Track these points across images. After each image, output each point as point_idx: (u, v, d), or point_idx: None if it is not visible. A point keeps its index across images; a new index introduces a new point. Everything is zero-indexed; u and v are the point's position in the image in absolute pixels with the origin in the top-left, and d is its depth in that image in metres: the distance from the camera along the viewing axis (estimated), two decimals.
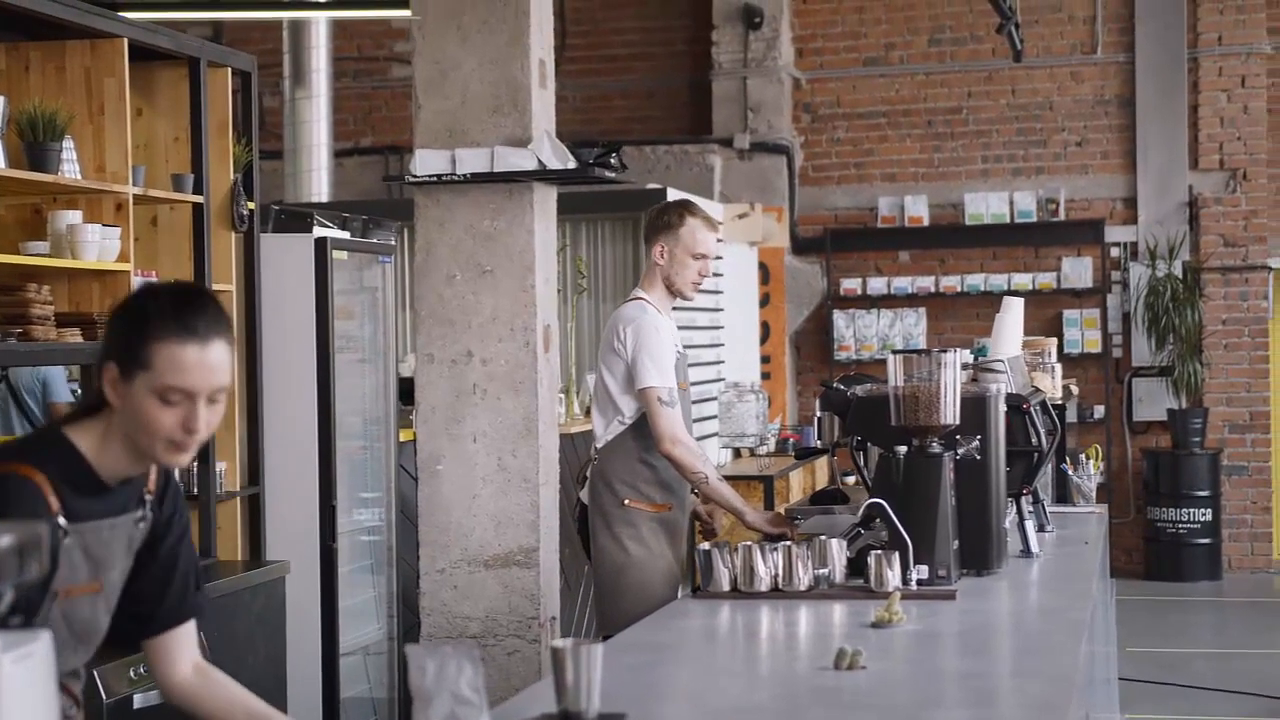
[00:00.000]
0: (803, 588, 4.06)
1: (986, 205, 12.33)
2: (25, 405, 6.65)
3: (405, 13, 5.59)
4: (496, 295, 5.12)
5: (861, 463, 4.68)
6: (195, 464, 5.74)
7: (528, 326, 5.11)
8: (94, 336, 5.13)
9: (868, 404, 4.49)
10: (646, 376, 5.04)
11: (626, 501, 5.14)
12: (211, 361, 2.62)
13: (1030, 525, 4.82)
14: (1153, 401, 12.13)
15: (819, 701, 3.06)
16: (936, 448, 4.22)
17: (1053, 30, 12.41)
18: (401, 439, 6.84)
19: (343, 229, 6.87)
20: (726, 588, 4.09)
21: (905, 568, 4.07)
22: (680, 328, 5.47)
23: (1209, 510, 11.78)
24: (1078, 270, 12.17)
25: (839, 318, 12.45)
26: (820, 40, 12.72)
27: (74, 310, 5.36)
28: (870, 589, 4.02)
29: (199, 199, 5.78)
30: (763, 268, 11.94)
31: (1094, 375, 12.19)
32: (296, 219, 6.62)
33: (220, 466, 5.92)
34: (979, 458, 4.37)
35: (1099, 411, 12.14)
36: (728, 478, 6.24)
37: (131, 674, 4.59)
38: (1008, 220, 12.31)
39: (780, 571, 4.07)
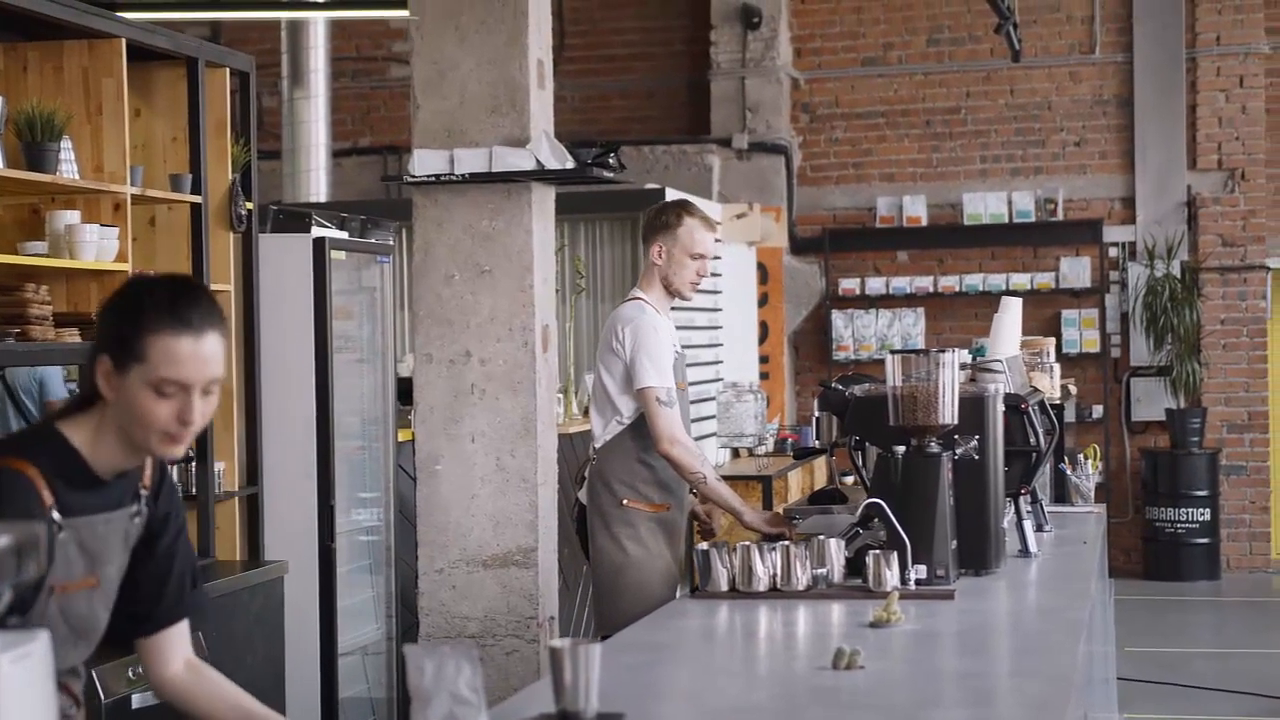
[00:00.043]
0: (801, 587, 4.06)
1: (985, 205, 12.33)
2: (22, 405, 6.65)
3: (403, 13, 5.59)
4: (495, 295, 5.11)
5: (860, 463, 4.68)
6: (194, 464, 5.74)
7: (526, 326, 5.11)
8: (92, 337, 5.13)
9: (866, 404, 4.49)
10: (645, 377, 5.04)
11: (625, 501, 5.14)
12: (206, 353, 2.62)
13: (1028, 525, 4.82)
14: (1151, 401, 12.13)
15: (817, 701, 3.06)
16: (935, 448, 4.22)
17: (1051, 30, 12.41)
18: (400, 439, 6.84)
19: (341, 229, 6.86)
20: (725, 588, 4.09)
21: (903, 567, 4.07)
22: (678, 328, 5.46)
23: (1207, 510, 11.78)
24: (1076, 270, 12.17)
25: (837, 318, 12.45)
26: (819, 40, 12.72)
27: (72, 310, 5.36)
28: (868, 589, 4.02)
29: (197, 199, 5.78)
30: (761, 268, 11.94)
31: (1092, 375, 12.20)
32: (295, 219, 6.62)
33: (219, 466, 5.92)
34: (977, 458, 4.37)
35: (1097, 411, 12.15)
36: (726, 478, 6.24)
37: (130, 674, 4.59)
38: (1006, 220, 12.31)
39: (778, 571, 4.07)
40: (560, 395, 7.70)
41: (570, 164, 5.07)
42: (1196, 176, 12.20)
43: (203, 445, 5.77)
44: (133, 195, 5.46)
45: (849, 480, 6.68)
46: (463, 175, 5.07)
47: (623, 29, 13.10)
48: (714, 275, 9.65)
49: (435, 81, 5.12)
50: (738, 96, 12.53)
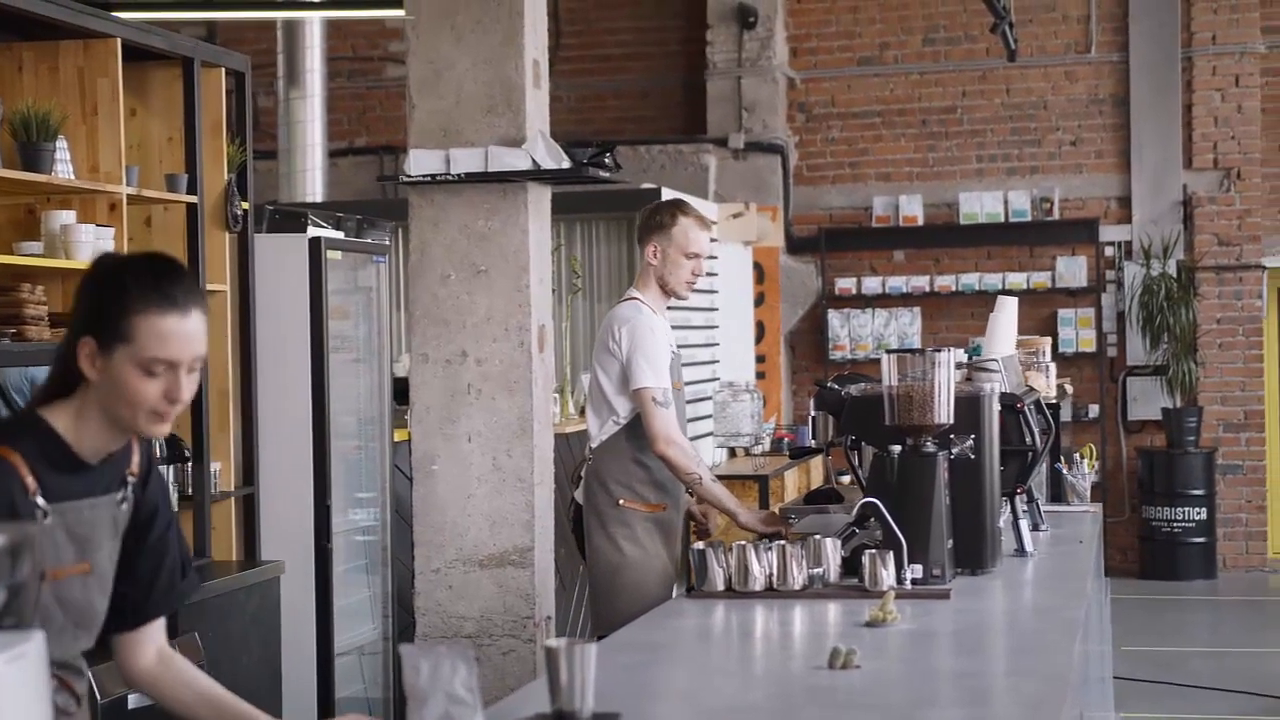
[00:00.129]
0: (797, 587, 4.05)
1: (981, 205, 12.33)
2: (13, 404, 6.65)
3: (399, 13, 5.59)
4: (491, 295, 5.11)
5: (856, 462, 4.68)
6: (190, 464, 5.74)
7: (522, 326, 5.11)
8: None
9: (862, 403, 4.49)
10: (641, 377, 5.04)
11: (621, 502, 5.14)
12: (192, 330, 2.62)
13: (1024, 524, 4.82)
14: (1147, 400, 12.13)
15: (813, 701, 3.07)
16: (931, 447, 4.22)
17: (1047, 30, 12.41)
18: (396, 439, 6.83)
19: (337, 229, 6.86)
20: (721, 587, 4.09)
21: (900, 567, 4.07)
22: (675, 327, 5.47)
23: (1204, 509, 11.78)
24: (1072, 269, 12.17)
25: (834, 317, 12.46)
26: (815, 40, 12.72)
27: (68, 311, 5.35)
28: (865, 588, 4.02)
29: (193, 199, 5.78)
30: (757, 267, 11.94)
31: (1089, 374, 12.20)
32: (291, 219, 6.62)
33: (215, 467, 5.92)
34: (973, 457, 4.37)
35: (1094, 410, 12.15)
36: (723, 477, 6.25)
37: None
38: (1002, 220, 12.31)
39: (775, 571, 4.07)
40: (556, 395, 7.71)
41: (566, 164, 5.06)
42: (1192, 176, 12.20)
43: (199, 445, 5.77)
44: (128, 195, 5.46)
45: (845, 480, 6.68)
46: (459, 175, 5.07)
47: (618, 29, 13.10)
48: (710, 275, 9.65)
49: (431, 81, 5.12)
50: (734, 96, 12.53)
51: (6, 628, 2.05)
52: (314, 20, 11.07)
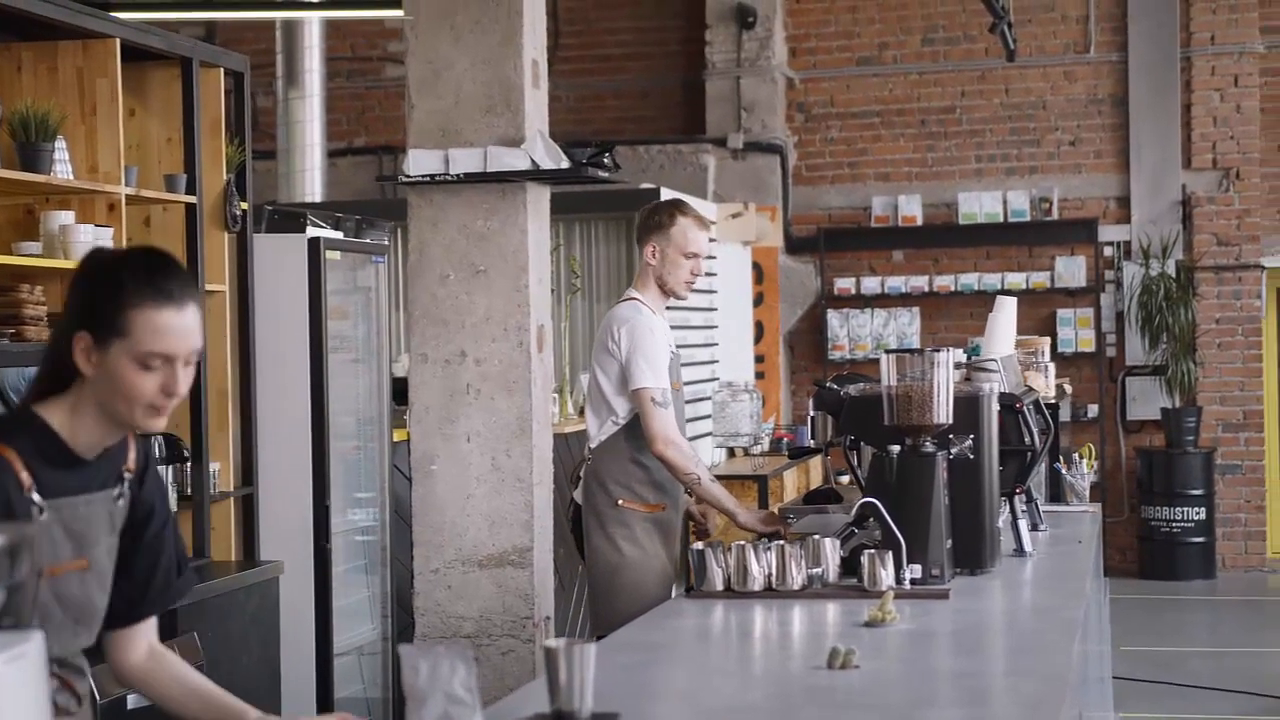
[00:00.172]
0: (796, 587, 4.05)
1: (980, 205, 12.33)
2: (11, 404, 6.65)
3: (398, 13, 5.59)
4: (490, 295, 5.11)
5: (855, 462, 4.68)
6: (189, 465, 5.74)
7: (521, 326, 5.11)
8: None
9: (861, 403, 4.49)
10: (640, 377, 5.04)
11: (620, 502, 5.14)
12: (189, 324, 2.62)
13: (1023, 524, 4.82)
14: (1146, 400, 12.14)
15: (812, 701, 3.07)
16: (930, 447, 4.22)
17: (1046, 30, 12.42)
18: (395, 439, 6.83)
19: (336, 229, 6.86)
20: (720, 587, 4.09)
21: (898, 567, 4.07)
22: (674, 327, 5.46)
23: (1203, 509, 11.79)
24: (1071, 269, 12.17)
25: (833, 317, 12.46)
26: (814, 40, 12.73)
27: None
28: (864, 588, 4.02)
29: (192, 199, 5.78)
30: (756, 267, 11.94)
31: (1088, 374, 12.20)
32: (290, 219, 6.61)
33: (214, 467, 5.92)
34: (972, 457, 4.37)
35: (1093, 410, 12.15)
36: (722, 477, 6.25)
37: None
38: (1001, 220, 12.32)
39: (774, 571, 4.07)
40: (556, 395, 7.71)
41: (565, 164, 5.06)
42: (1191, 176, 12.21)
43: (198, 445, 5.77)
44: (127, 195, 5.46)
45: (844, 480, 6.68)
46: (458, 175, 5.07)
47: (617, 29, 13.10)
48: (709, 275, 9.65)
49: (430, 81, 5.12)
50: (733, 96, 12.53)
51: (6, 628, 2.05)
52: (313, 20, 11.07)
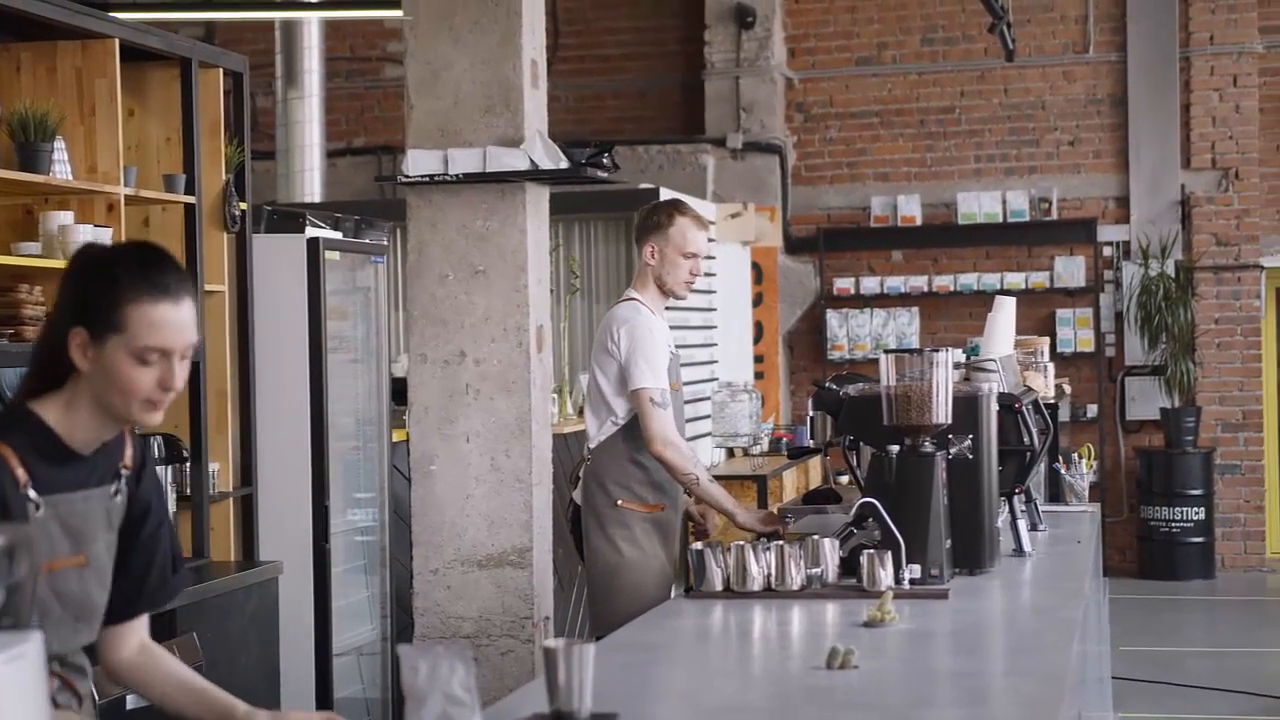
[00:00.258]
0: (795, 587, 4.05)
1: (979, 205, 12.33)
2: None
3: (397, 13, 5.59)
4: (489, 295, 5.11)
5: (854, 462, 4.68)
6: (188, 465, 5.74)
7: (520, 327, 5.11)
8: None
9: (860, 403, 4.49)
10: (639, 378, 5.04)
11: (620, 502, 5.14)
12: (185, 318, 2.63)
13: (1023, 524, 4.82)
14: (1145, 400, 12.14)
15: (811, 701, 3.07)
16: (929, 447, 4.22)
17: (1045, 30, 12.42)
18: (395, 439, 6.83)
19: (335, 229, 6.86)
20: (719, 587, 4.09)
21: (898, 567, 4.07)
22: (673, 327, 5.46)
23: (1202, 509, 11.79)
24: (1070, 269, 12.18)
25: (832, 317, 12.46)
26: (813, 40, 12.73)
27: None
28: (863, 588, 4.01)
29: (191, 200, 5.78)
30: (756, 267, 11.94)
31: (1087, 374, 12.20)
32: (289, 219, 6.61)
33: (213, 467, 5.92)
34: (971, 457, 4.37)
35: (1092, 410, 12.15)
36: (721, 478, 6.24)
37: None
38: (1000, 220, 12.32)
39: (773, 571, 4.07)
40: (555, 395, 7.71)
41: (564, 164, 5.07)
42: (1190, 176, 12.21)
43: (197, 446, 5.77)
44: (126, 196, 5.46)
45: (843, 480, 6.68)
46: (457, 175, 5.07)
47: (616, 29, 13.10)
48: (708, 275, 9.65)
49: (429, 81, 5.12)
50: (732, 96, 12.53)
51: (5, 628, 2.05)
52: (312, 20, 11.07)
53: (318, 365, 6.28)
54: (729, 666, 3.60)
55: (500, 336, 5.11)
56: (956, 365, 4.65)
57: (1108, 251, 12.28)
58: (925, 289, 12.34)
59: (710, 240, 7.02)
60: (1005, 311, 5.68)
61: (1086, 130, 12.38)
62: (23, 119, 5.08)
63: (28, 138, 5.08)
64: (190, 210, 5.79)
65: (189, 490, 5.75)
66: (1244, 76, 12.16)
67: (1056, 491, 6.28)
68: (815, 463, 9.86)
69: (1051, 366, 7.01)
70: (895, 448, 4.21)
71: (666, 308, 5.33)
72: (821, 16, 12.69)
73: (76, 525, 2.68)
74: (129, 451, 2.79)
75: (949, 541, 4.20)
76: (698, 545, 4.17)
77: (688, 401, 6.54)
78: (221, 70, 6.10)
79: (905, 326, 12.37)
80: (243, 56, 6.34)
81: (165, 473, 5.48)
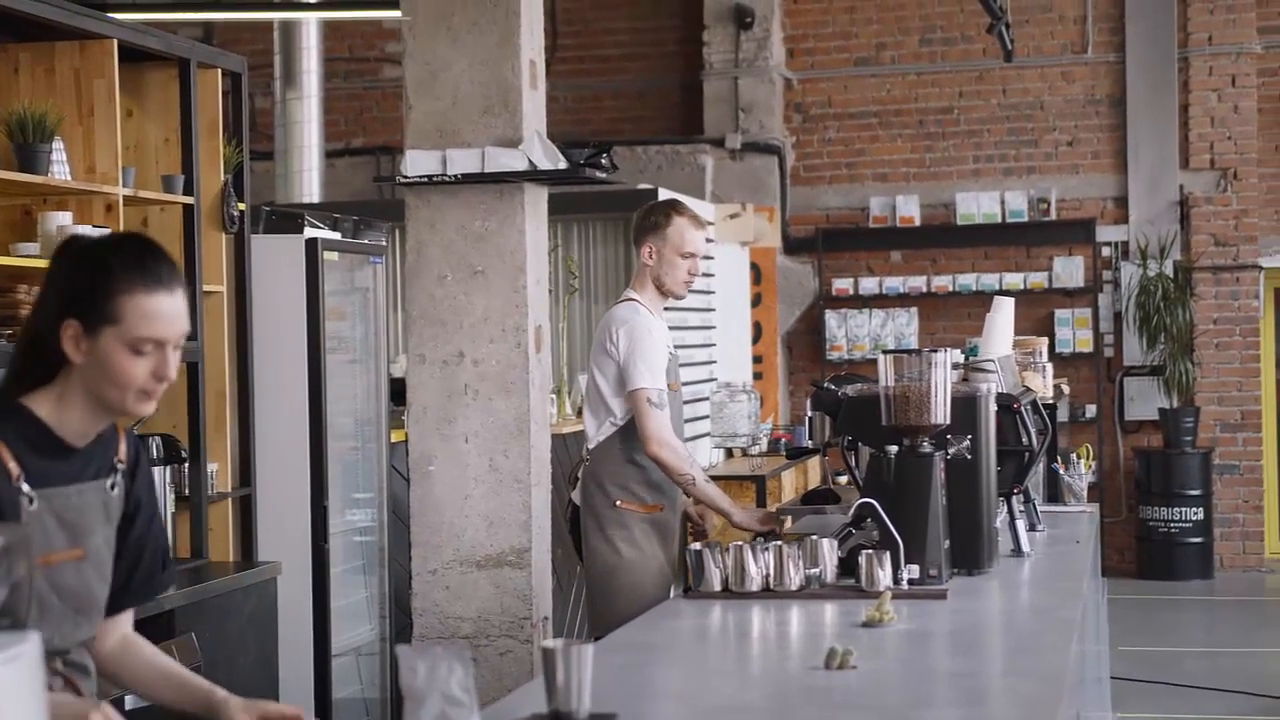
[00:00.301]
0: (794, 587, 4.05)
1: (978, 205, 12.33)
2: None
3: (396, 14, 5.59)
4: (488, 296, 5.11)
5: (853, 462, 4.68)
6: (187, 465, 5.73)
7: (519, 327, 5.11)
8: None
9: (859, 404, 4.49)
10: (638, 378, 5.04)
11: (618, 503, 5.14)
12: (179, 308, 2.63)
13: (1021, 525, 4.82)
14: (1144, 401, 12.14)
15: (810, 701, 3.07)
16: (927, 447, 4.22)
17: (1043, 30, 12.42)
18: (393, 439, 6.83)
19: (333, 230, 6.86)
20: (718, 588, 4.09)
21: (896, 567, 4.07)
22: (671, 328, 5.46)
23: (1201, 509, 11.79)
24: (1069, 270, 12.18)
25: (831, 318, 12.46)
26: (811, 40, 12.73)
27: None
28: (861, 589, 4.01)
29: (189, 200, 5.78)
30: (754, 268, 11.95)
31: (1085, 374, 12.21)
32: (287, 220, 6.61)
33: (211, 468, 5.92)
34: (970, 457, 4.37)
35: (1090, 411, 12.15)
36: (720, 478, 6.25)
37: None
38: (999, 220, 12.32)
39: (771, 571, 4.07)
40: (553, 396, 7.71)
41: (563, 164, 5.07)
42: (1189, 176, 12.21)
43: (195, 446, 5.77)
44: (125, 196, 5.46)
45: (842, 480, 6.68)
46: (455, 176, 5.07)
47: (615, 29, 13.11)
48: (707, 275, 9.65)
49: (428, 82, 5.12)
50: (730, 97, 12.53)
51: (3, 628, 2.05)
52: (310, 21, 11.08)
53: (316, 366, 6.28)
54: (727, 667, 3.60)
55: (499, 337, 5.11)
56: (955, 366, 4.65)
57: (1106, 252, 12.28)
58: (924, 289, 12.34)
59: (709, 240, 7.02)
60: (1004, 312, 5.68)
61: (1085, 131, 12.38)
62: (21, 119, 5.08)
63: (26, 138, 5.07)
64: (189, 211, 5.79)
65: (187, 491, 5.75)
66: (1242, 77, 12.16)
67: (1055, 492, 6.28)
68: (814, 463, 9.86)
69: (1050, 367, 7.01)
70: (894, 448, 4.21)
71: (665, 308, 5.33)
72: (820, 17, 12.70)
73: (72, 519, 2.67)
74: (123, 446, 2.79)
75: (947, 542, 4.20)
76: (696, 545, 4.17)
77: (687, 402, 6.54)
78: (220, 71, 6.10)
79: (904, 327, 12.37)
80: (241, 57, 6.34)
81: (164, 473, 5.48)
